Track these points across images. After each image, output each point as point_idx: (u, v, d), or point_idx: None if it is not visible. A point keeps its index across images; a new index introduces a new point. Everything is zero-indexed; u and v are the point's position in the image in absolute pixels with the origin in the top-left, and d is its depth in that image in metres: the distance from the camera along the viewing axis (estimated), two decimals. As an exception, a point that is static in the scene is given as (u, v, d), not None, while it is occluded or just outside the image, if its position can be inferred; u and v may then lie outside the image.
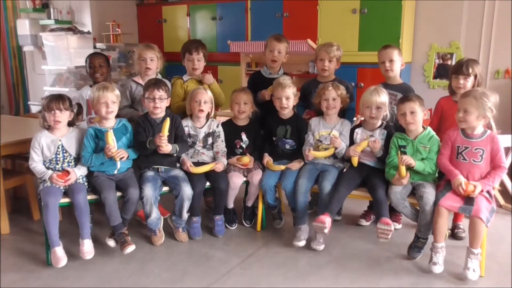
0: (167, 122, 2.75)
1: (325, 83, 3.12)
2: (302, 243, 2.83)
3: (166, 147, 2.78)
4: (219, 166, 2.99)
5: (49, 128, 2.75)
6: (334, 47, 3.18)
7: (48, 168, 2.71)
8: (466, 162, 2.56)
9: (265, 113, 3.26)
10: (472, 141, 2.55)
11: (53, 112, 2.67)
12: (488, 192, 2.53)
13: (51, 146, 2.71)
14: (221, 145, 3.12)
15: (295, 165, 3.02)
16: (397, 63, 3.05)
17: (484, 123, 2.54)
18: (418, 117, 2.68)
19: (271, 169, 3.05)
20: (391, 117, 3.04)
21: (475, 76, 2.80)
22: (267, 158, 3.09)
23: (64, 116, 2.71)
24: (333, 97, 2.96)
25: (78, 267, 2.65)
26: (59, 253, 2.59)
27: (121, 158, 2.75)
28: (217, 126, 3.13)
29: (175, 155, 2.90)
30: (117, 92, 2.84)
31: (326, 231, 2.67)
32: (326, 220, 2.67)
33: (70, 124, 2.81)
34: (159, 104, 2.86)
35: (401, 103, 2.71)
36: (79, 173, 2.74)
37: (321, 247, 2.82)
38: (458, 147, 2.58)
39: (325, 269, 2.64)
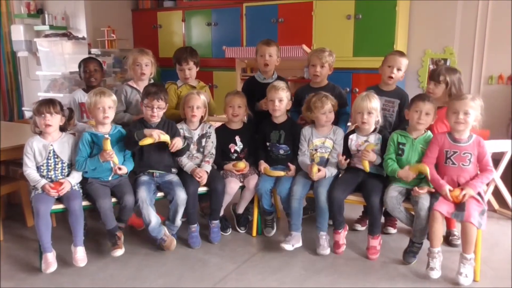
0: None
1: (317, 89, 3.15)
2: (289, 247, 2.82)
3: (178, 143, 2.82)
4: (204, 177, 2.94)
5: (40, 133, 2.73)
6: (326, 52, 3.18)
7: (40, 175, 2.69)
8: (455, 166, 2.58)
9: (259, 119, 3.26)
10: (460, 145, 2.58)
11: (43, 116, 2.65)
12: (478, 193, 2.54)
13: (43, 151, 2.70)
14: (210, 145, 3.09)
15: (293, 172, 3.02)
16: (401, 73, 3.06)
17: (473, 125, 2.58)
18: (429, 119, 2.70)
19: (269, 175, 3.05)
20: (389, 124, 3.05)
21: (446, 84, 2.83)
22: (264, 165, 3.09)
23: (54, 120, 2.69)
24: (329, 109, 2.94)
25: (73, 274, 2.63)
26: (50, 259, 2.58)
27: (120, 169, 2.77)
28: (210, 127, 3.13)
29: (183, 147, 2.89)
30: (113, 97, 2.84)
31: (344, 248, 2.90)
32: (341, 239, 2.88)
33: (62, 129, 2.80)
34: (157, 113, 2.87)
35: (422, 101, 2.68)
36: (73, 181, 2.73)
37: (327, 251, 2.82)
38: (447, 151, 2.60)
39: (320, 275, 2.63)
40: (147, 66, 3.22)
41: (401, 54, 3.11)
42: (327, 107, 2.93)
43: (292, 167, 3.02)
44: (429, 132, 2.76)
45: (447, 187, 2.53)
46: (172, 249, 2.85)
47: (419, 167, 2.64)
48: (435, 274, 2.51)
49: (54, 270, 2.57)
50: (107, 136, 2.75)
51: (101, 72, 3.43)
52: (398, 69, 3.03)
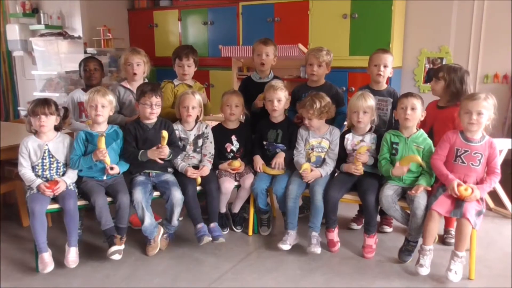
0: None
1: (314, 88, 3.16)
2: (286, 246, 2.82)
3: (165, 151, 2.79)
4: (205, 170, 2.98)
5: (35, 133, 2.73)
6: (323, 52, 3.18)
7: (35, 175, 2.68)
8: (465, 165, 2.57)
9: (256, 118, 3.26)
10: (472, 145, 2.56)
11: (38, 116, 2.65)
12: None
13: (38, 151, 2.69)
14: (209, 146, 3.10)
15: (281, 161, 3.03)
16: (389, 69, 3.08)
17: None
18: (416, 114, 2.70)
19: (268, 173, 3.05)
20: (384, 123, 3.06)
21: (445, 80, 2.85)
22: (260, 163, 3.09)
23: (49, 120, 2.69)
24: (309, 117, 2.94)
25: (68, 274, 2.63)
26: (47, 259, 2.57)
27: (112, 168, 2.76)
28: (206, 127, 3.12)
29: (169, 158, 2.89)
30: (109, 97, 2.82)
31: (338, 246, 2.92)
32: (335, 237, 2.90)
33: (58, 128, 2.79)
34: (156, 110, 2.86)
35: (405, 97, 2.73)
36: (69, 181, 2.72)
37: (319, 250, 2.80)
38: (458, 149, 2.59)
39: (316, 274, 2.64)
40: (139, 66, 3.21)
41: (384, 51, 3.13)
42: (306, 115, 2.94)
43: (277, 162, 3.03)
44: (421, 131, 2.76)
45: (455, 182, 2.48)
46: (150, 255, 2.84)
47: (410, 159, 2.64)
48: (424, 271, 2.51)
49: (50, 270, 2.56)
50: (102, 133, 2.74)
51: (101, 71, 3.44)
52: (385, 66, 3.05)
